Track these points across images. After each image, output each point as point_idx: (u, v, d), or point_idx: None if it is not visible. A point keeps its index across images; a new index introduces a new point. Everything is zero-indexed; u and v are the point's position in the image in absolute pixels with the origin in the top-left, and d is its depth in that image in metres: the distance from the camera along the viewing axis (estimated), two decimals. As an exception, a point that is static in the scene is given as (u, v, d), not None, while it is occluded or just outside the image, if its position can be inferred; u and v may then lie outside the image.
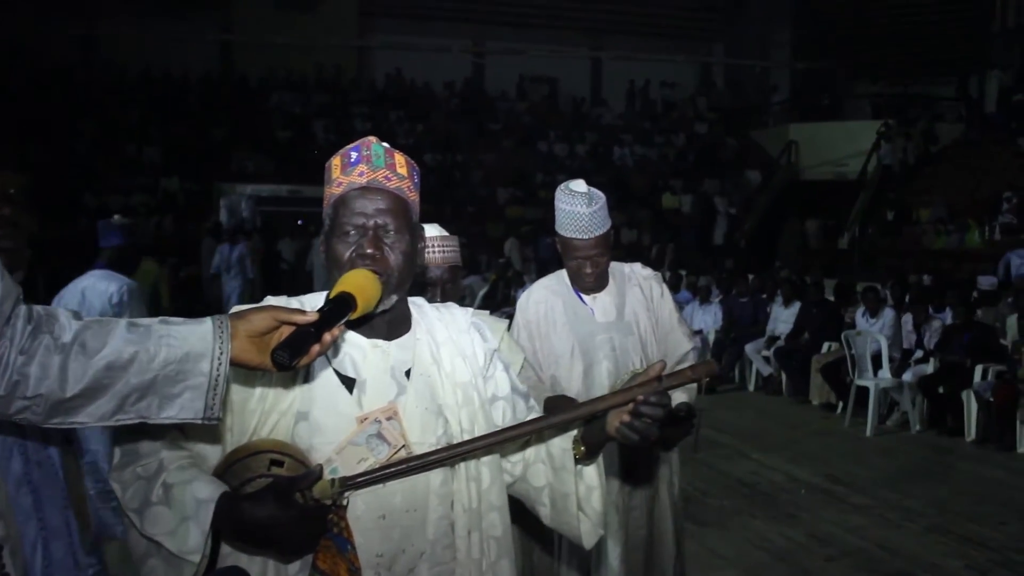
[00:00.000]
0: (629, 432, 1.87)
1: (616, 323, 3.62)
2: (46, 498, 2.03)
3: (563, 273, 3.73)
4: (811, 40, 27.56)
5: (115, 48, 24.37)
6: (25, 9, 16.86)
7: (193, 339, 1.60)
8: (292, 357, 1.57)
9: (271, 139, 23.52)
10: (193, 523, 1.71)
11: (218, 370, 1.60)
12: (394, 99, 26.41)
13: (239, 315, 1.67)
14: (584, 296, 3.67)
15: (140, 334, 1.57)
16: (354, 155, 1.93)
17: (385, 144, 1.98)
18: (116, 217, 6.79)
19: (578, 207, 3.41)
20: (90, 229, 19.26)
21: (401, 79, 27.24)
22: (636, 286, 3.72)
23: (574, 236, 3.46)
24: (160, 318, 1.65)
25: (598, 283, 3.62)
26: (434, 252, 3.11)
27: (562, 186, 3.53)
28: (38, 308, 1.56)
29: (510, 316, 3.78)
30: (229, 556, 1.82)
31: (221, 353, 1.60)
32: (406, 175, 1.97)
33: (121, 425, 1.64)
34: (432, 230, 3.14)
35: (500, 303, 15.67)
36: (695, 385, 3.65)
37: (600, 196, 3.48)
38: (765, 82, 29.03)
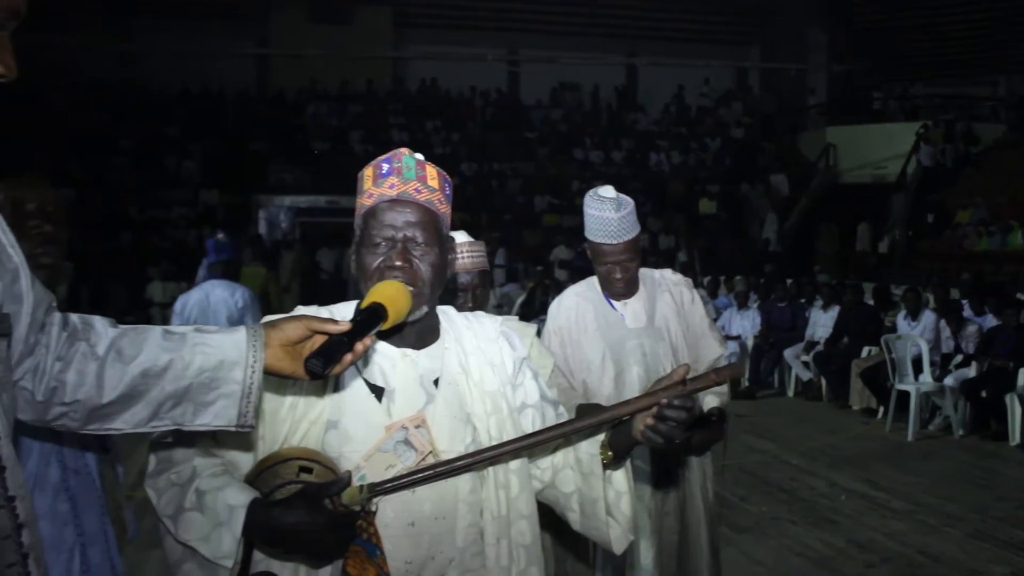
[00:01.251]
0: (654, 435, 1.88)
1: (647, 329, 3.63)
2: (83, 505, 2.08)
3: (594, 279, 3.74)
4: (848, 42, 27.37)
5: (154, 64, 24.70)
6: (66, 27, 17.12)
7: (227, 347, 1.62)
8: (325, 365, 1.59)
9: (308, 151, 23.71)
10: (226, 529, 1.75)
11: (252, 378, 1.63)
12: (430, 109, 26.53)
13: (272, 324, 1.70)
14: (615, 302, 3.67)
15: (175, 342, 1.60)
16: (385, 167, 1.95)
17: (418, 156, 1.99)
18: (221, 235, 7.72)
19: (607, 212, 3.42)
20: (133, 242, 19.42)
21: (436, 89, 27.36)
22: (666, 292, 3.72)
23: (603, 241, 3.47)
24: (195, 327, 1.68)
25: (628, 288, 3.63)
26: (463, 258, 3.14)
27: (591, 192, 3.54)
28: (74, 316, 1.59)
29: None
30: (261, 562, 1.85)
31: (255, 361, 1.63)
32: (437, 187, 1.97)
33: (157, 432, 1.68)
34: (460, 236, 3.17)
35: (538, 311, 15.70)
36: (726, 389, 3.68)
37: (629, 201, 3.49)
38: (802, 85, 28.84)
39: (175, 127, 23.78)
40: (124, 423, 1.58)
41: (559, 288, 17.00)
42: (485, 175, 24.47)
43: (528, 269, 19.90)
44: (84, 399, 1.54)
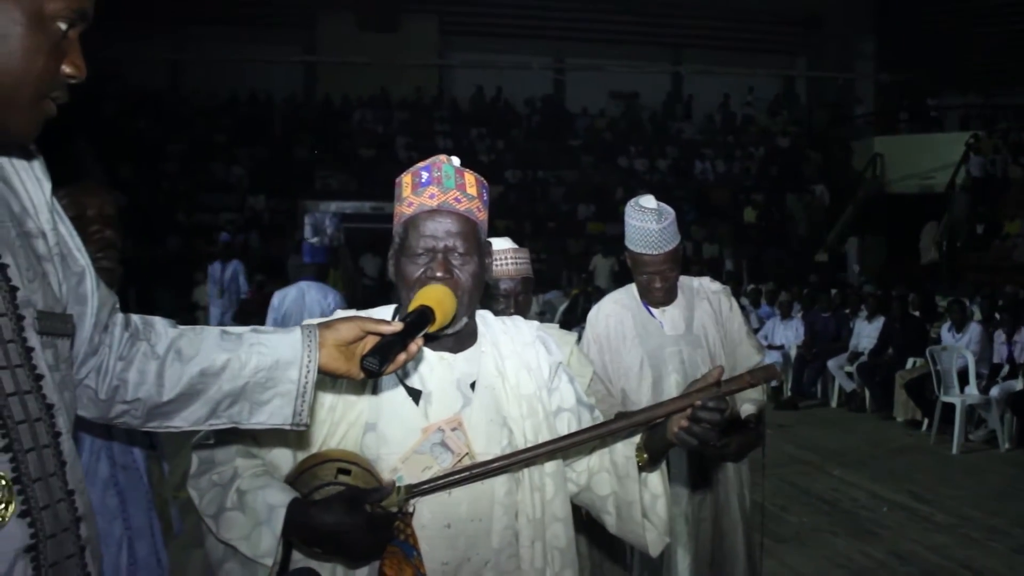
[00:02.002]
0: (688, 437, 1.89)
1: (685, 336, 3.64)
2: (131, 499, 2.13)
3: (632, 287, 3.77)
4: (895, 51, 27.09)
5: (202, 72, 25.03)
6: (117, 36, 17.38)
7: (283, 347, 1.66)
8: (382, 363, 1.63)
9: (354, 157, 23.88)
10: (266, 527, 1.79)
11: (307, 377, 1.66)
12: (475, 116, 26.62)
13: (327, 325, 1.73)
14: (653, 309, 3.69)
15: (233, 342, 1.65)
16: (425, 175, 1.97)
17: (456, 163, 2.02)
18: (315, 239, 8.90)
19: (648, 223, 3.44)
20: (183, 246, 19.51)
21: (482, 96, 27.45)
22: (705, 299, 3.74)
23: (644, 252, 3.49)
24: (251, 327, 1.73)
25: (667, 297, 3.65)
26: (507, 264, 3.16)
27: (632, 202, 3.56)
28: (135, 317, 1.64)
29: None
30: (299, 562, 1.88)
31: (310, 361, 1.66)
32: (475, 195, 1.99)
33: (213, 430, 1.73)
34: (504, 243, 3.20)
35: (580, 318, 15.70)
36: (763, 396, 3.69)
37: (670, 212, 3.51)
38: (849, 95, 28.61)
39: (223, 134, 24.07)
40: (183, 421, 1.63)
41: (601, 296, 17.04)
42: (529, 183, 24.51)
43: (571, 277, 19.91)
44: (145, 397, 1.59)
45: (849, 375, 12.32)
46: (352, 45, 25.92)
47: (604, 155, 25.85)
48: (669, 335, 3.66)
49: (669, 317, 3.68)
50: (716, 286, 3.82)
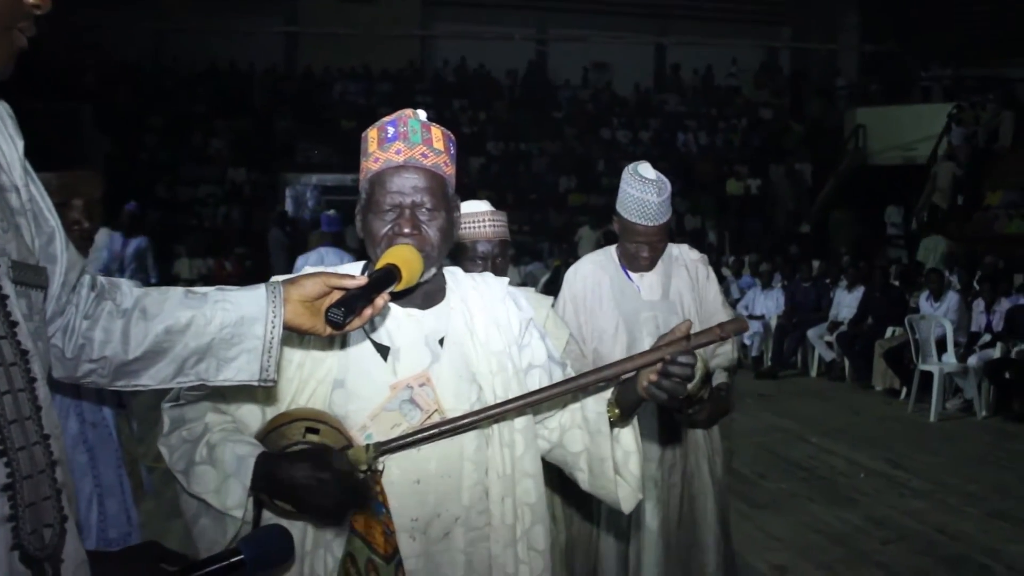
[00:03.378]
0: (657, 391, 1.91)
1: (661, 302, 3.66)
2: (101, 457, 2.15)
3: (611, 249, 3.78)
4: (879, 22, 27.05)
5: (182, 43, 24.81)
6: (96, 7, 17.28)
7: (247, 304, 1.68)
8: (346, 315, 1.64)
9: (336, 129, 23.76)
10: (235, 479, 1.80)
11: (272, 333, 1.68)
12: (457, 88, 26.50)
13: (291, 281, 1.75)
14: (632, 273, 3.71)
15: (198, 300, 1.67)
16: (391, 130, 1.97)
17: (422, 117, 2.02)
18: (332, 211, 9.86)
19: (648, 195, 3.43)
20: (162, 220, 19.28)
21: (464, 68, 27.32)
22: (683, 267, 3.75)
23: (639, 222, 3.48)
24: (217, 287, 1.74)
25: (651, 266, 3.66)
26: (484, 226, 3.17)
27: (631, 169, 3.54)
28: (102, 278, 1.66)
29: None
30: (270, 520, 1.89)
31: (275, 316, 1.68)
32: (442, 149, 1.99)
33: (183, 390, 1.74)
34: (481, 205, 3.21)
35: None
36: (734, 356, 3.73)
37: (668, 184, 3.51)
38: (832, 66, 28.60)
39: (202, 105, 23.89)
40: (151, 379, 1.65)
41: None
42: (511, 154, 24.45)
43: (553, 248, 19.91)
44: (111, 356, 1.60)
45: (829, 345, 12.40)
46: (334, 16, 25.73)
47: (586, 127, 25.79)
48: (645, 300, 3.67)
49: (647, 282, 3.70)
50: (695, 254, 3.83)
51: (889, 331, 11.31)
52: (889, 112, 23.63)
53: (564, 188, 23.78)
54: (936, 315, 10.26)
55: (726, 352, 3.72)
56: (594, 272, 3.74)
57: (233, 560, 1.61)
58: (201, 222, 20.40)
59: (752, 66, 29.11)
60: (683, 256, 3.79)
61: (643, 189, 3.44)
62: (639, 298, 3.68)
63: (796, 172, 23.92)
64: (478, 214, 3.16)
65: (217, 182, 22.09)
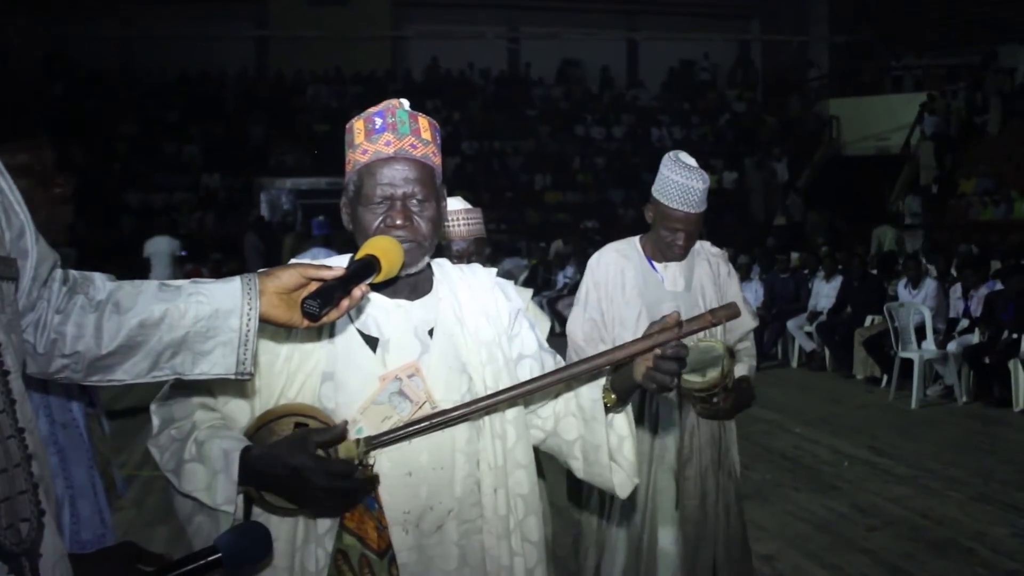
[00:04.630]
0: (647, 381, 1.91)
1: (684, 294, 3.67)
2: (72, 458, 2.11)
3: (635, 240, 3.79)
4: (849, 13, 27.21)
5: (152, 51, 24.68)
6: (64, 15, 17.17)
7: (221, 296, 1.66)
8: (322, 307, 1.62)
9: (309, 133, 23.72)
10: (223, 475, 1.78)
11: (248, 325, 1.66)
12: (430, 89, 26.47)
13: (267, 273, 1.73)
14: (656, 264, 3.72)
15: (171, 293, 1.64)
16: (379, 121, 1.97)
17: (407, 107, 2.02)
18: (322, 218, 11.12)
19: (694, 182, 3.45)
20: (137, 228, 19.35)
21: (437, 68, 27.31)
22: (705, 260, 3.76)
23: (681, 208, 3.48)
24: (192, 279, 1.71)
25: (683, 256, 3.68)
26: (459, 225, 3.17)
27: (673, 156, 3.55)
28: (74, 272, 1.63)
29: (551, 300, 3.83)
30: (259, 517, 1.87)
31: (250, 309, 1.66)
32: (430, 139, 2.00)
33: (158, 383, 1.72)
34: (456, 203, 3.20)
35: (541, 287, 15.78)
36: (753, 351, 3.77)
37: (707, 176, 3.56)
38: (804, 58, 28.74)
39: (175, 112, 23.81)
40: (125, 374, 1.62)
41: (562, 264, 17.07)
42: (486, 153, 24.49)
43: (530, 247, 19.95)
44: (84, 350, 1.57)
45: (809, 335, 12.48)
46: (304, 19, 25.69)
47: (560, 124, 25.85)
48: (668, 290, 3.68)
49: (671, 273, 3.71)
50: (716, 250, 3.86)
51: (868, 319, 11.39)
52: (862, 103, 23.81)
53: (540, 186, 23.84)
54: (915, 302, 10.32)
55: (746, 346, 3.78)
56: (618, 260, 3.74)
57: (210, 559, 1.60)
58: (176, 229, 20.27)
59: (725, 60, 29.24)
60: (704, 251, 3.81)
61: (688, 176, 3.46)
62: (662, 288, 3.69)
63: (770, 165, 24.03)
64: (452, 212, 3.15)
65: (191, 188, 22.01)
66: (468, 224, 3.20)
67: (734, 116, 26.91)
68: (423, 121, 2.00)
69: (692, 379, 3.22)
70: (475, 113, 25.87)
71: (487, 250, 3.41)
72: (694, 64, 28.72)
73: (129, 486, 4.03)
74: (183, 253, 16.16)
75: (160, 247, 15.36)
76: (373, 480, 1.84)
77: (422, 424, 1.88)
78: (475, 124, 25.26)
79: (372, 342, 1.96)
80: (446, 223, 3.09)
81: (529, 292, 3.40)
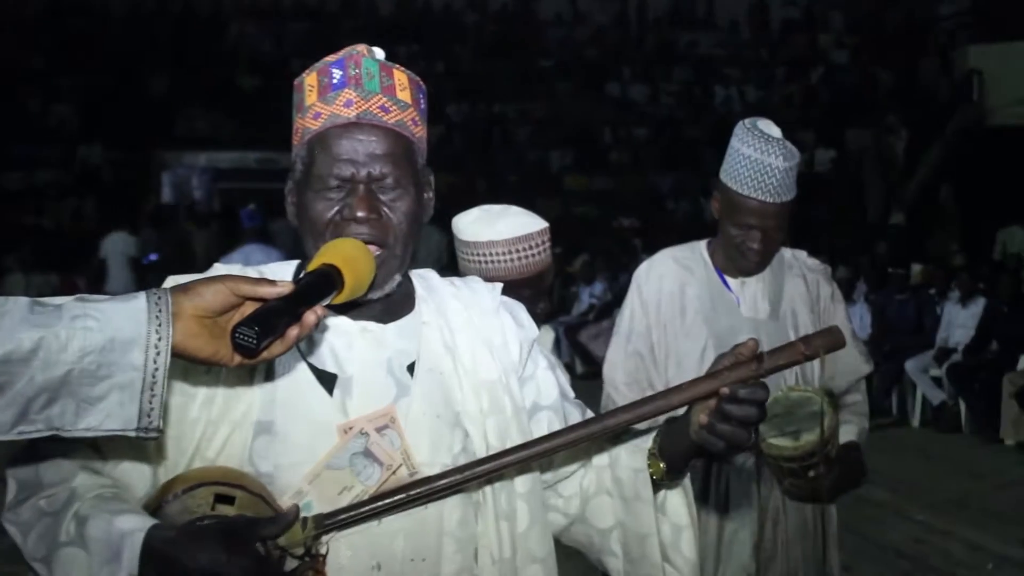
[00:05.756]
0: (709, 437, 1.87)
1: (768, 321, 3.63)
2: None
3: (700, 245, 3.77)
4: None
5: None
6: None
7: (120, 320, 1.60)
8: (261, 338, 1.59)
9: (231, 89, 23.76)
10: (117, 566, 1.71)
11: (155, 362, 1.61)
12: (401, 28, 26.54)
13: (184, 288, 1.68)
14: (729, 279, 3.69)
15: (48, 315, 1.58)
16: (337, 74, 1.96)
17: (380, 55, 2.01)
18: (252, 206, 11.24)
19: (772, 158, 3.40)
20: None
21: (412, 1, 27.39)
22: (799, 277, 3.73)
23: (754, 195, 3.44)
24: (77, 295, 1.65)
25: (760, 265, 3.63)
26: (518, 258, 3.16)
27: (748, 124, 3.52)
28: None
29: (570, 327, 3.81)
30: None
31: (159, 339, 1.61)
32: (409, 101, 1.99)
33: (24, 440, 1.67)
34: (530, 224, 3.21)
35: (556, 310, 15.74)
36: (865, 410, 3.70)
37: (796, 151, 3.48)
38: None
39: (40, 56, 23.83)
40: None
41: (588, 278, 17.04)
42: (481, 120, 24.52)
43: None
44: None
45: (936, 381, 12.41)
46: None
47: (587, 80, 25.88)
48: (746, 317, 3.65)
49: (750, 293, 3.67)
50: (814, 263, 3.83)
51: (1022, 361, 11.34)
52: (1015, 51, 23.75)
53: (557, 166, 23.85)
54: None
55: (857, 401, 3.73)
56: (676, 273, 3.71)
57: None
58: (40, 221, 20.23)
59: (819, -8, 29.28)
60: (799, 263, 3.78)
61: (765, 149, 3.41)
62: (738, 313, 3.66)
63: (885, 139, 24.02)
64: (505, 242, 3.15)
65: (63, 165, 22.00)
66: (534, 255, 3.20)
67: (831, 70, 26.93)
68: (401, 76, 1.99)
69: (780, 443, 3.15)
70: (465, 63, 25.92)
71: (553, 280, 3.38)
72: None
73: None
74: (153, 257, 16.47)
75: (117, 246, 15.52)
76: (302, 561, 1.81)
77: (397, 497, 1.87)
78: (465, 79, 25.30)
79: (328, 380, 1.95)
80: (485, 257, 3.06)
81: (551, 335, 3.38)
